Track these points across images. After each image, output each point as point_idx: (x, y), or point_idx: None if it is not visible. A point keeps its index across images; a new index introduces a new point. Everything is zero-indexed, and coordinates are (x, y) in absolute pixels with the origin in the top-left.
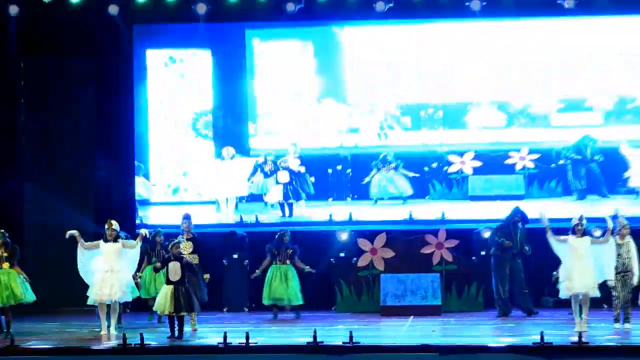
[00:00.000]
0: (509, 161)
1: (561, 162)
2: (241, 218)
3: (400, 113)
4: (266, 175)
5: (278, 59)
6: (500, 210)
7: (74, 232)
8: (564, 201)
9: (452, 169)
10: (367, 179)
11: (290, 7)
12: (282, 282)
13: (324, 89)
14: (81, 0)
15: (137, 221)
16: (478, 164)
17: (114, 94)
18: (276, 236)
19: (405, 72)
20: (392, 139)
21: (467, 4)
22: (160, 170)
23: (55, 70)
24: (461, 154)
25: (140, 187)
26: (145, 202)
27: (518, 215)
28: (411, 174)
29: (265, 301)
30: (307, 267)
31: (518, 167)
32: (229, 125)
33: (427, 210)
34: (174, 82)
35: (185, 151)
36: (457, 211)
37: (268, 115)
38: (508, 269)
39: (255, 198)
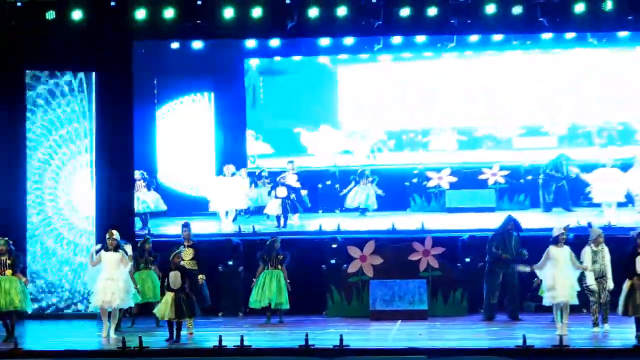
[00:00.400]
0: (482, 177)
1: (529, 177)
2: (239, 228)
3: (387, 137)
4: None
5: (281, 91)
6: (475, 221)
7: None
8: (532, 213)
9: (430, 184)
10: (345, 191)
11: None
12: (273, 287)
13: (322, 117)
14: (82, 17)
15: (145, 231)
16: (454, 179)
17: (115, 108)
18: (267, 242)
19: (390, 103)
20: (379, 159)
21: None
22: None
23: (58, 82)
24: (439, 170)
25: (151, 201)
26: (155, 214)
27: (511, 224)
28: (379, 192)
29: (254, 304)
30: (288, 281)
31: (490, 182)
32: (230, 145)
33: (408, 221)
34: (182, 109)
35: (191, 168)
36: (435, 222)
37: (268, 137)
38: (501, 276)
39: (253, 210)
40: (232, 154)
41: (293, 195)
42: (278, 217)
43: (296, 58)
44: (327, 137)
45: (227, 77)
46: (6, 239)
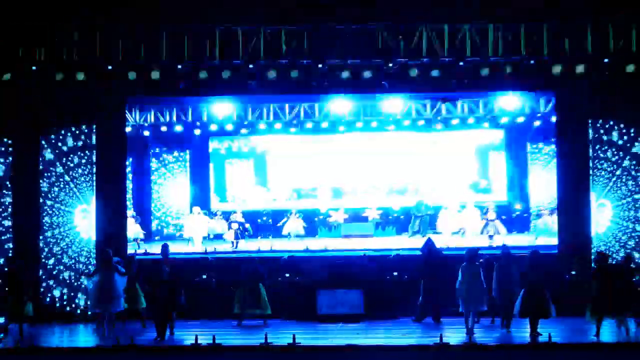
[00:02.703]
0: (364, 214)
1: (395, 215)
2: (205, 249)
3: (293, 190)
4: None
5: (233, 164)
6: (360, 243)
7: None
8: (399, 237)
9: (331, 219)
10: (280, 223)
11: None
12: (254, 298)
13: (256, 180)
14: (84, 78)
15: (133, 250)
16: (346, 216)
17: (112, 153)
18: (248, 261)
19: (297, 170)
20: (293, 204)
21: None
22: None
23: (65, 131)
24: (336, 210)
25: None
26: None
27: (429, 245)
28: (304, 224)
29: (236, 311)
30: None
31: (370, 217)
32: (199, 194)
33: (317, 243)
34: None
35: (172, 207)
36: (335, 244)
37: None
38: (428, 286)
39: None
40: (200, 199)
41: (244, 225)
42: (232, 242)
43: (245, 149)
44: (260, 192)
45: (198, 150)
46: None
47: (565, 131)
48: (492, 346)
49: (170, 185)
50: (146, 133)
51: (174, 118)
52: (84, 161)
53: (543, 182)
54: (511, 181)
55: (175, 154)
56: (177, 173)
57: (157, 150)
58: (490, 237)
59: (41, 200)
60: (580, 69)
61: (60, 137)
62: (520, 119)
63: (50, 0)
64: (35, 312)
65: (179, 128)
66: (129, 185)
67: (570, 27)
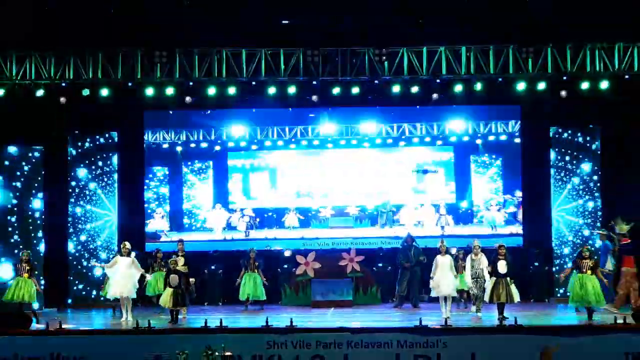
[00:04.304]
0: (347, 210)
1: (369, 211)
2: (224, 238)
3: (294, 192)
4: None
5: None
6: (344, 232)
7: (98, 265)
8: (372, 228)
9: (321, 214)
10: (283, 219)
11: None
12: (252, 284)
13: (270, 186)
14: (108, 93)
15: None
16: (333, 212)
17: (132, 158)
18: (247, 252)
19: (296, 177)
20: (293, 203)
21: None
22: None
23: (91, 139)
24: (325, 207)
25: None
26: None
27: (410, 238)
28: (300, 217)
29: (241, 297)
30: (265, 279)
31: (351, 213)
32: (219, 194)
33: (311, 233)
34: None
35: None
36: (324, 234)
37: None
38: (409, 276)
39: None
40: (220, 198)
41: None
42: (245, 231)
43: (262, 165)
44: (270, 193)
45: (219, 161)
46: (28, 251)
47: (528, 140)
48: (465, 328)
49: (198, 189)
50: (179, 148)
51: (200, 137)
52: (108, 167)
53: (482, 186)
54: (458, 185)
55: (200, 165)
56: (202, 179)
57: (187, 161)
58: (442, 228)
59: (69, 200)
60: (541, 85)
61: (86, 144)
62: (466, 138)
63: (78, 29)
64: (63, 299)
65: (204, 144)
66: (167, 189)
67: (533, 49)
